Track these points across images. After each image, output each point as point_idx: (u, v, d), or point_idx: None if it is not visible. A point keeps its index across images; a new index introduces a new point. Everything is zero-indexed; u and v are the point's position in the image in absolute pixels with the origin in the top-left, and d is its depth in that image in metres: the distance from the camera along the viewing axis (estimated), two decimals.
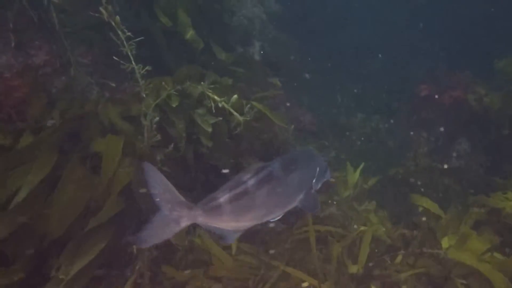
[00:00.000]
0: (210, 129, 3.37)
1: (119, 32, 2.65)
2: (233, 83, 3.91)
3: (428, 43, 7.82)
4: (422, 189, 5.14)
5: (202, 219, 1.96)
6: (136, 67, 2.79)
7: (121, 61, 2.72)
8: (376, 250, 3.69)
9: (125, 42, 2.68)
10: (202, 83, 3.29)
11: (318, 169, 2.39)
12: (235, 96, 3.46)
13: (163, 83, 3.21)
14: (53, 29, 3.40)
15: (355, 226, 3.82)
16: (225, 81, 3.89)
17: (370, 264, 3.48)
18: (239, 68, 4.31)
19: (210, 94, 3.32)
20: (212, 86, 3.30)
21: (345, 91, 6.73)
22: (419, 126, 5.91)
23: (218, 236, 2.15)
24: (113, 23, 2.61)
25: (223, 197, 1.99)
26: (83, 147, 3.12)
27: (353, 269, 3.38)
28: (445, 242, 3.92)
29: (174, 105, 3.23)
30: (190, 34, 4.13)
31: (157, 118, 3.04)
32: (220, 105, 3.35)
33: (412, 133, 5.93)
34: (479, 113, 5.26)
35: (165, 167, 3.17)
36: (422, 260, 3.56)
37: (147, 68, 2.80)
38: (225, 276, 2.98)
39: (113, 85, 3.65)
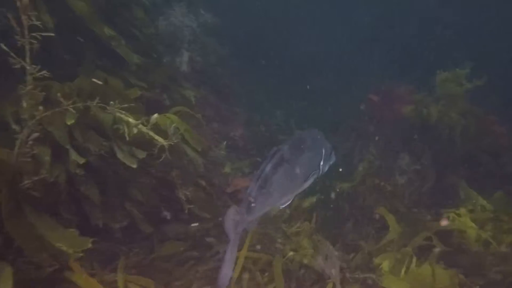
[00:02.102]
0: (135, 166, 2.87)
1: (23, 19, 2.11)
2: (142, 93, 3.44)
3: (374, 57, 7.74)
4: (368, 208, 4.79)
5: (249, 217, 2.09)
6: (28, 66, 2.22)
7: (13, 55, 2.15)
8: (305, 278, 3.23)
9: (26, 32, 2.14)
10: (111, 102, 2.65)
11: (324, 151, 2.41)
12: (155, 115, 2.97)
13: (58, 94, 2.63)
14: None
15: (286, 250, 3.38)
16: (133, 92, 3.39)
17: None
18: (154, 75, 3.86)
19: (123, 116, 2.80)
20: (123, 106, 2.68)
21: (287, 107, 6.40)
22: (363, 142, 5.63)
23: None
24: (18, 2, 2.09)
25: (253, 190, 2.08)
26: None
27: None
28: (384, 267, 3.53)
29: (69, 123, 2.68)
30: (106, 30, 3.58)
31: (37, 134, 2.49)
32: (135, 130, 2.83)
33: (356, 149, 5.63)
34: (418, 126, 5.05)
35: (35, 192, 2.59)
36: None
37: (43, 72, 2.26)
38: None
39: None
